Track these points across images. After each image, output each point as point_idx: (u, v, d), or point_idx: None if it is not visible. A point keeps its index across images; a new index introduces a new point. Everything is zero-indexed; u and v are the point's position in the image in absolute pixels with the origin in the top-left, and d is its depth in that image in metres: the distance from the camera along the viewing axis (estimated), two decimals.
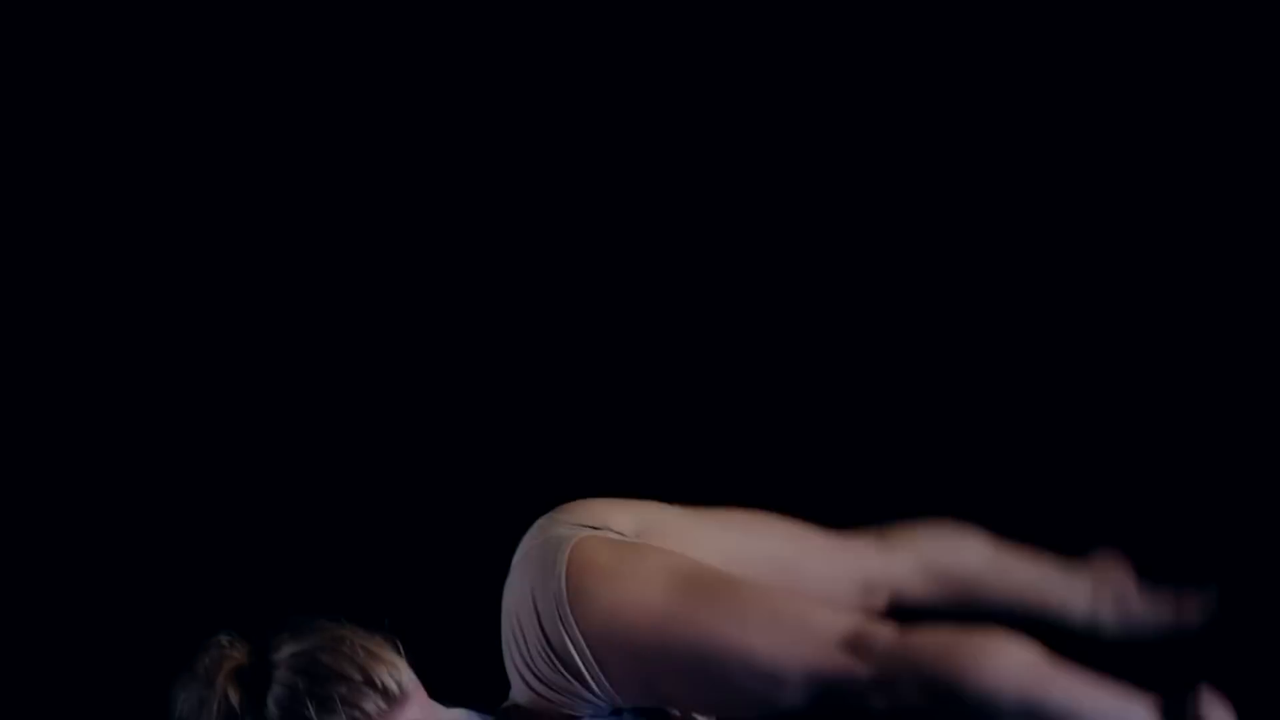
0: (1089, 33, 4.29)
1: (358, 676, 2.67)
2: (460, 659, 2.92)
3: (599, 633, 2.77)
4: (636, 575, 2.78)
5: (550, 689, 2.81)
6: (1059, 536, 4.32)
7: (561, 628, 2.78)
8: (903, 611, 2.97)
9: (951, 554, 3.18)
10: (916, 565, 3.14)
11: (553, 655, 2.78)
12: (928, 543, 3.16)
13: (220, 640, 2.74)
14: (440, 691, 2.77)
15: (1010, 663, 2.67)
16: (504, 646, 2.87)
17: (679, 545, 2.88)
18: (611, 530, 2.88)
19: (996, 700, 2.64)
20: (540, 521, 2.92)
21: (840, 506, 4.36)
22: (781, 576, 2.93)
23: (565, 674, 2.78)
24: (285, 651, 2.70)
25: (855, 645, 2.71)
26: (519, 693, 2.86)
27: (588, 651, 2.77)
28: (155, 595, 4.17)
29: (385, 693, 2.67)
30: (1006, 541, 3.22)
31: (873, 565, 3.10)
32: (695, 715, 2.89)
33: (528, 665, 2.82)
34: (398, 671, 2.70)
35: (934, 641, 2.71)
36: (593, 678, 2.78)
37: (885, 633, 2.72)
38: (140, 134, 4.32)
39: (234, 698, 2.68)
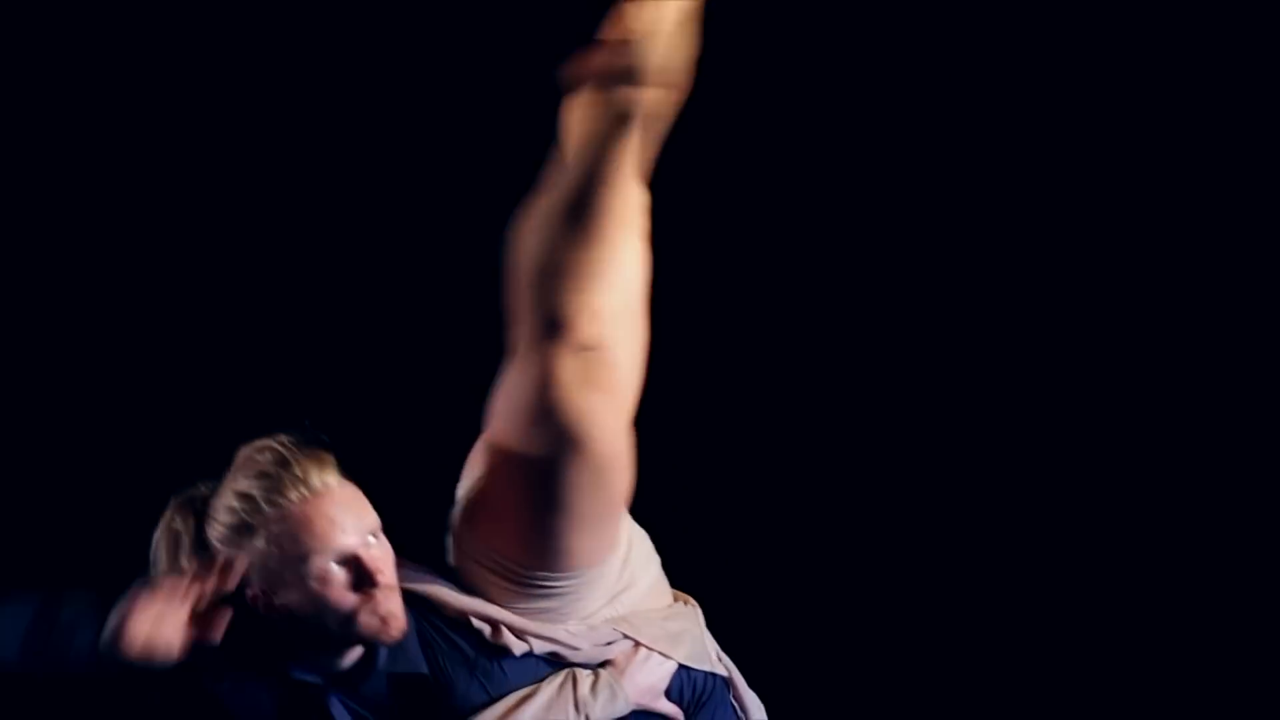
0: (1090, 33, 4.29)
1: (277, 470, 2.74)
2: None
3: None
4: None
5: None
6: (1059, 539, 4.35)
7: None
8: None
9: None
10: None
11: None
12: None
13: (196, 485, 2.84)
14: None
15: None
16: None
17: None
18: None
19: None
20: None
21: (840, 507, 4.40)
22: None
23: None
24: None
25: None
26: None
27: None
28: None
29: (305, 483, 2.72)
30: None
31: None
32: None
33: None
34: (324, 469, 2.76)
35: None
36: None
37: None
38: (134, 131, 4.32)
39: (179, 522, 2.78)
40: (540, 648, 2.81)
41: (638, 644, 2.87)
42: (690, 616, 2.99)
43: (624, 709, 2.79)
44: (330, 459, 2.79)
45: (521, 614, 2.81)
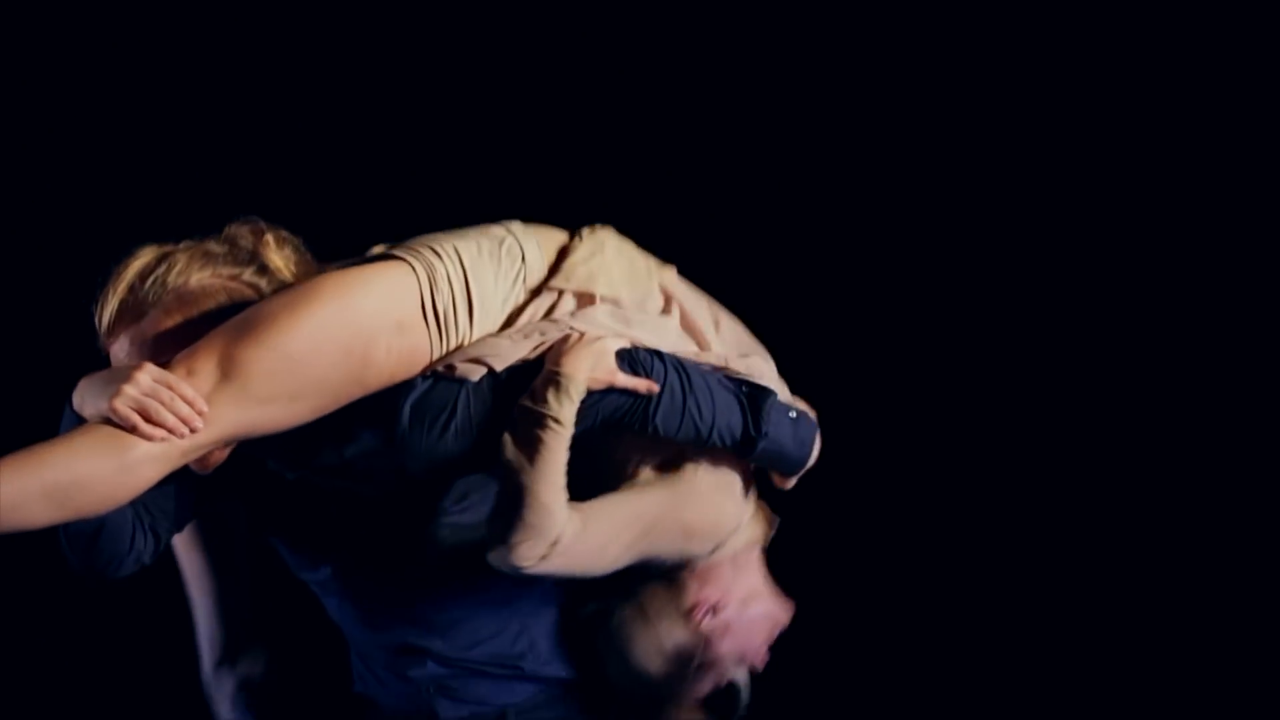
0: (1093, 33, 4.29)
1: (240, 243, 2.77)
2: None
3: None
4: None
5: None
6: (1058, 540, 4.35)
7: None
8: None
9: None
10: None
11: None
12: None
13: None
14: None
15: None
16: None
17: None
18: None
19: None
20: None
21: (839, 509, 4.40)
22: None
23: None
24: None
25: None
26: None
27: None
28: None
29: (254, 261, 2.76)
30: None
31: None
32: None
33: None
34: (283, 249, 2.78)
35: None
36: None
37: None
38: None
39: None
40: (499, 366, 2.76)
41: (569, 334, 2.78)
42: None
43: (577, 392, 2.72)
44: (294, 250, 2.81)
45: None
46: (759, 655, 2.93)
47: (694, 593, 2.86)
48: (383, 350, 2.65)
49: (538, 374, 2.67)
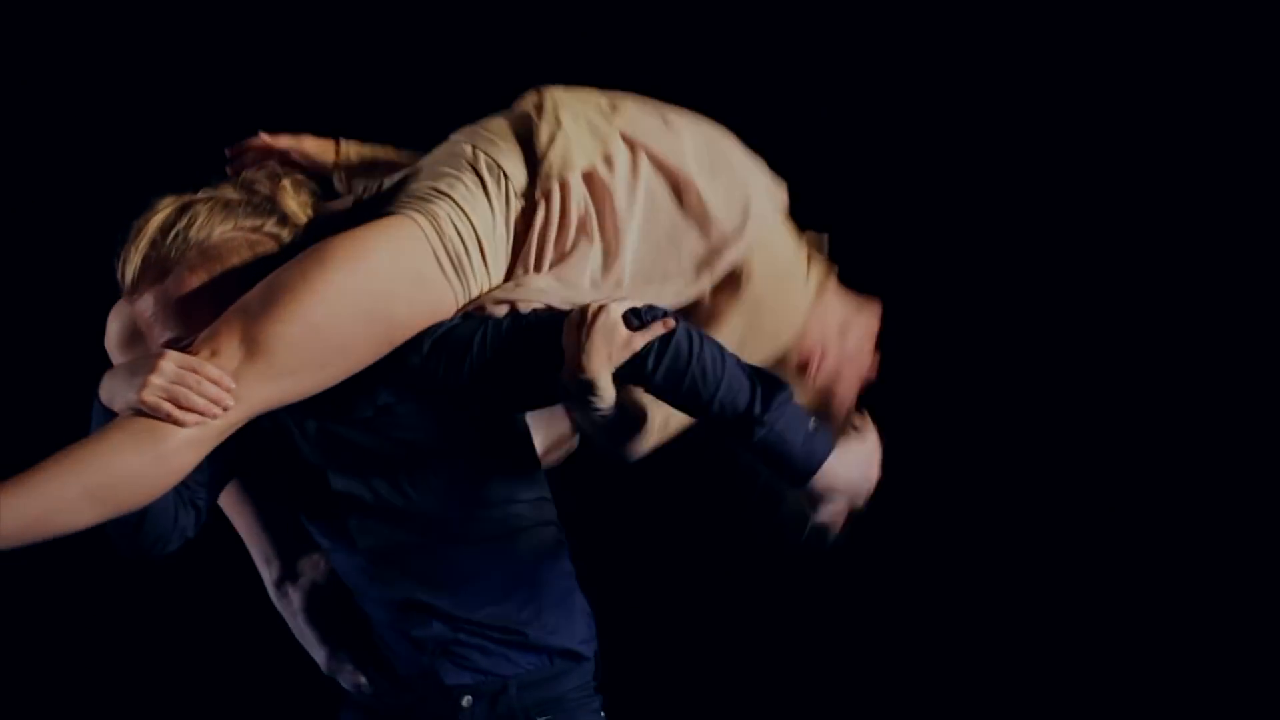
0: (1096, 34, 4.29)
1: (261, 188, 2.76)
2: None
3: None
4: None
5: None
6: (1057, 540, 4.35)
7: None
8: None
9: None
10: None
11: None
12: None
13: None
14: None
15: None
16: None
17: None
18: None
19: None
20: None
21: None
22: None
23: None
24: None
25: None
26: None
27: None
28: None
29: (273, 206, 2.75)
30: None
31: None
32: None
33: None
34: (300, 193, 2.77)
35: None
36: None
37: None
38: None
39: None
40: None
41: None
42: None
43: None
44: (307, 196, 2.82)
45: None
46: (873, 368, 2.95)
47: (796, 355, 2.88)
48: (404, 306, 2.65)
49: (561, 317, 2.68)
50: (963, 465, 4.36)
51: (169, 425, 2.55)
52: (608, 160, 2.79)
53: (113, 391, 2.61)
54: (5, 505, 2.48)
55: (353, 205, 2.79)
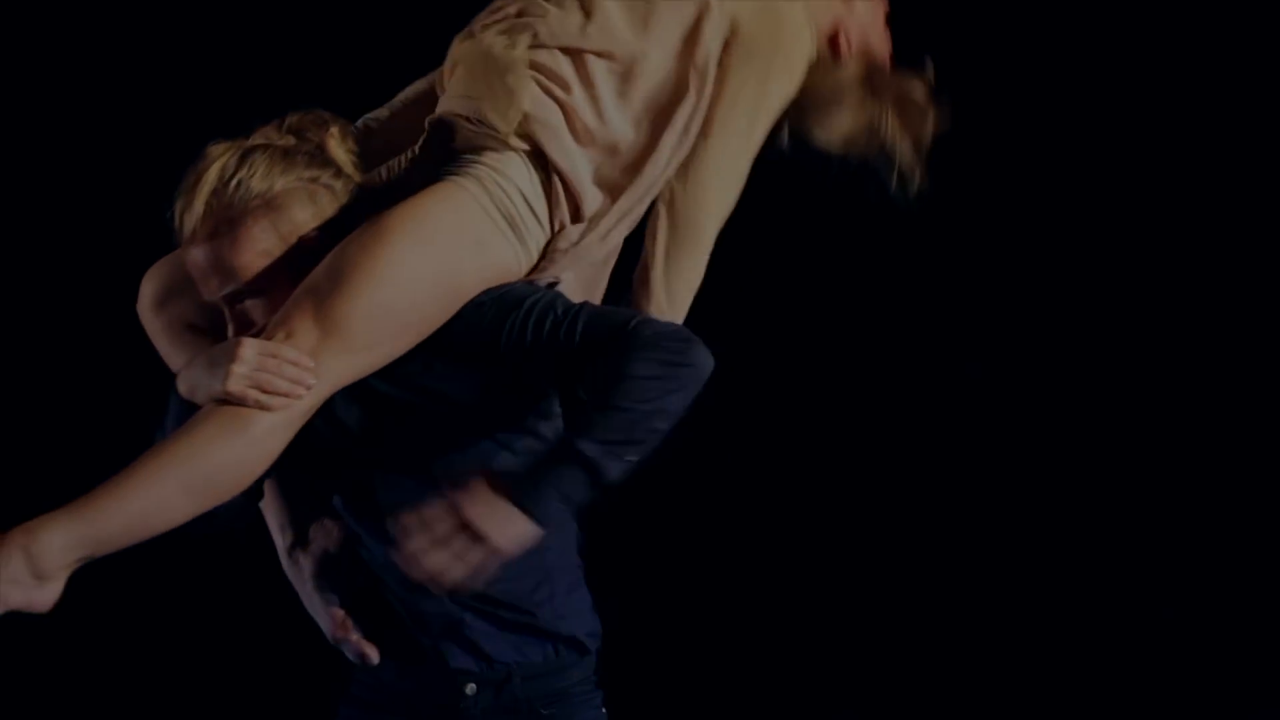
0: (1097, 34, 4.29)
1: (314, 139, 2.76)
2: None
3: None
4: None
5: None
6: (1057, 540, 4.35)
7: None
8: None
9: None
10: None
11: None
12: None
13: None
14: None
15: None
16: None
17: None
18: None
19: None
20: None
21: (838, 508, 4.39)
22: None
23: None
24: None
25: None
26: None
27: None
28: None
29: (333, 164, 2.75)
30: None
31: None
32: None
33: None
34: (345, 141, 2.77)
35: None
36: None
37: None
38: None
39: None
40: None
41: None
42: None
43: None
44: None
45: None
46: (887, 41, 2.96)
47: (823, 49, 2.85)
48: (470, 271, 2.68)
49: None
50: (963, 465, 4.36)
51: (256, 411, 2.57)
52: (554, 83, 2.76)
53: (193, 384, 2.62)
54: (106, 510, 2.52)
55: (397, 171, 2.80)
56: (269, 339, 2.60)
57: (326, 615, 2.83)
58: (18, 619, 4.41)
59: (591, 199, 2.76)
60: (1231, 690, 4.27)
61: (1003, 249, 4.35)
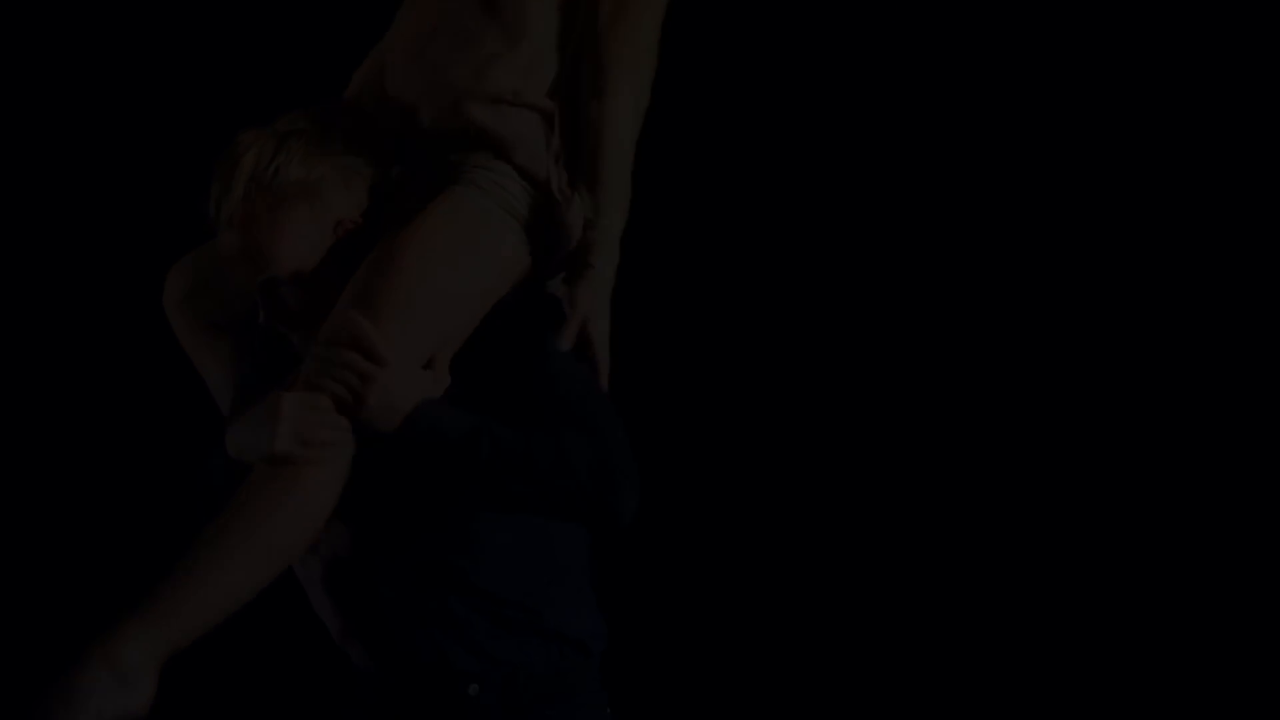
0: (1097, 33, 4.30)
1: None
2: None
3: None
4: None
5: None
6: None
7: None
8: None
9: None
10: None
11: None
12: None
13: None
14: None
15: None
16: None
17: None
18: None
19: None
20: None
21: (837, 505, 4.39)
22: None
23: None
24: None
25: None
26: None
27: None
28: None
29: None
30: None
31: None
32: None
33: None
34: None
35: None
36: None
37: None
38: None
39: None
40: None
41: None
42: None
43: None
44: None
45: None
46: None
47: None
48: (498, 276, 2.68)
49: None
50: (962, 465, 4.37)
51: (307, 466, 2.55)
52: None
53: (241, 447, 2.61)
54: (180, 607, 2.51)
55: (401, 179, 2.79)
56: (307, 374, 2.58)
57: (335, 618, 2.80)
58: (15, 619, 4.42)
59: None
60: (1231, 691, 4.28)
61: (1003, 249, 4.36)
